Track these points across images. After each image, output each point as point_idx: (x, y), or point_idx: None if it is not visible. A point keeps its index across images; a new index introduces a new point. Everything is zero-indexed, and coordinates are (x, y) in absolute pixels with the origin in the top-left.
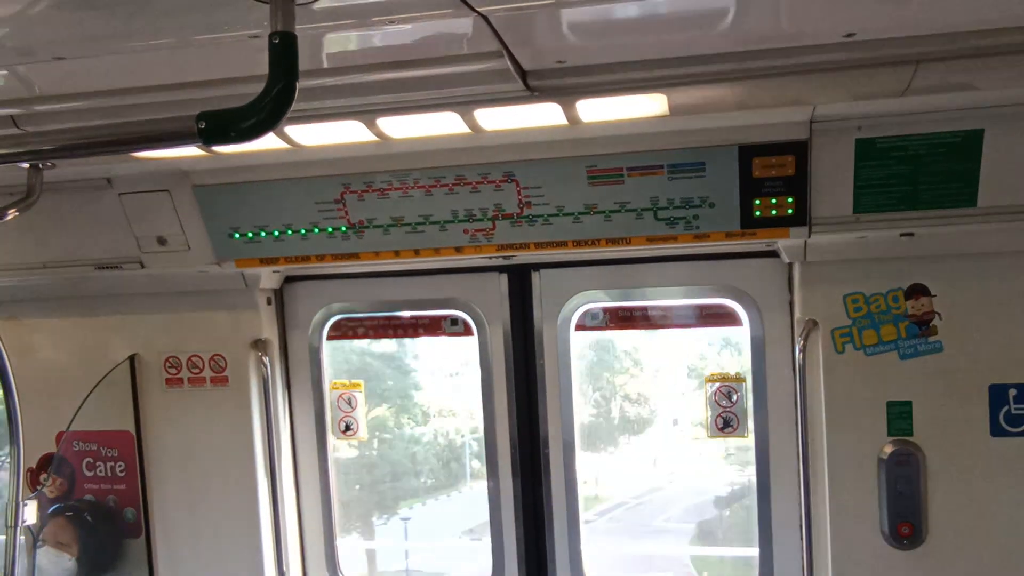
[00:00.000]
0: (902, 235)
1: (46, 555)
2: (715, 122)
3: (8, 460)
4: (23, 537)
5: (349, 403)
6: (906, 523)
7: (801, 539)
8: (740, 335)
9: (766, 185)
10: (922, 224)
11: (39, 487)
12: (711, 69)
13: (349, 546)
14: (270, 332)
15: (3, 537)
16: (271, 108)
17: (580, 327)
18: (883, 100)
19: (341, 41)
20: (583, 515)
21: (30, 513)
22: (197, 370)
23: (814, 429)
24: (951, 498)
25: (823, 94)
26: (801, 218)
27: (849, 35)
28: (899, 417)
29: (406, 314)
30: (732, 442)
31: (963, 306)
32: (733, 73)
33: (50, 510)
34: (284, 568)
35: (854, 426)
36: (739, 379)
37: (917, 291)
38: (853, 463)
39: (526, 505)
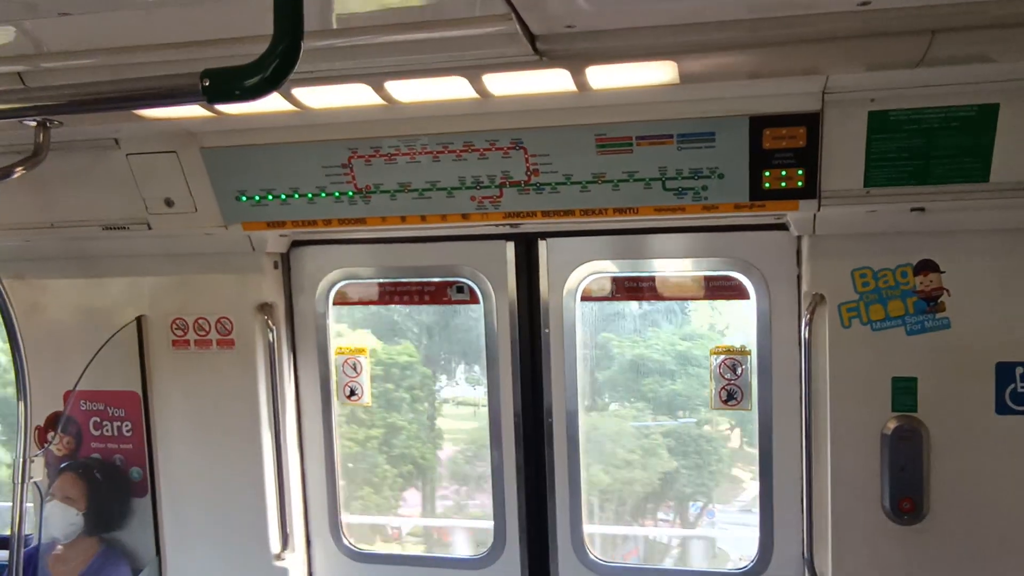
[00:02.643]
0: (912, 210)
1: (54, 508)
2: (726, 92)
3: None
4: (32, 502)
5: (354, 368)
6: (907, 499)
7: (802, 513)
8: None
9: (776, 157)
10: (933, 199)
11: (47, 445)
12: (722, 36)
13: None
14: (276, 296)
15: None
16: (276, 67)
17: (586, 297)
18: (897, 71)
19: (349, 1)
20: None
21: (37, 470)
22: (203, 332)
23: (818, 403)
24: (953, 475)
25: (836, 64)
26: (811, 191)
27: (864, 3)
28: (904, 393)
29: (412, 280)
30: None
31: (972, 283)
32: (745, 41)
33: (58, 467)
34: (288, 529)
35: (858, 401)
36: (744, 352)
37: (926, 267)
38: (856, 438)
39: (528, 475)
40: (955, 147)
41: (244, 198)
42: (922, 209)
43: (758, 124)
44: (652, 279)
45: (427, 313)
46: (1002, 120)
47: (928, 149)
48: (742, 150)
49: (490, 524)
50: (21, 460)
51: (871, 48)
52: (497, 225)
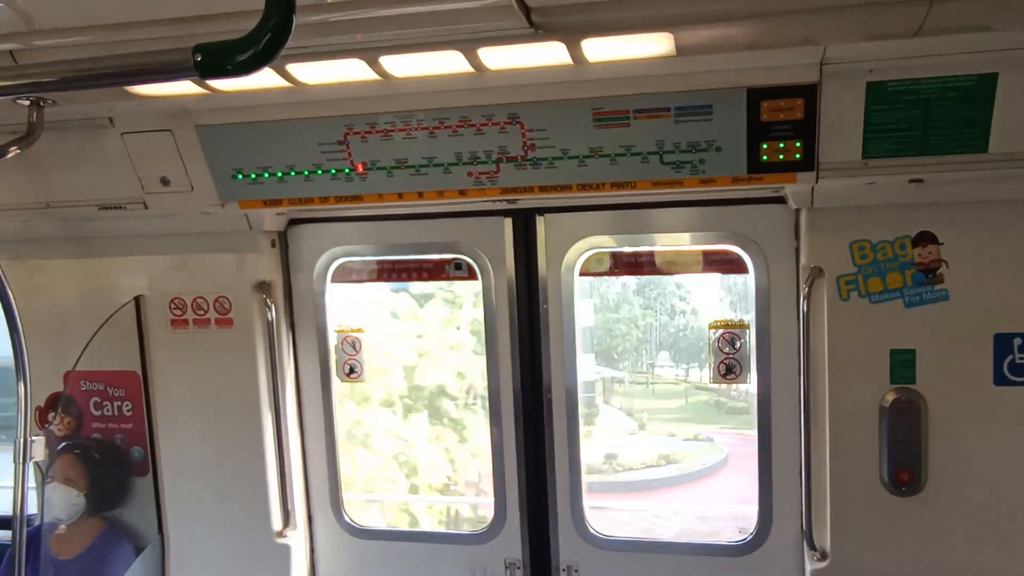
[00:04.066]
0: (911, 181)
1: (55, 490)
2: (723, 64)
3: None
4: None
5: (353, 346)
6: (905, 470)
7: (800, 485)
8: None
9: (774, 129)
10: (931, 170)
11: (47, 425)
12: (719, 7)
13: None
14: (274, 275)
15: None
16: (268, 40)
17: (584, 272)
18: (895, 41)
19: None
20: None
21: (38, 450)
22: (202, 312)
23: (817, 376)
24: (951, 446)
25: (834, 34)
26: (809, 163)
27: None
28: (902, 365)
29: (410, 257)
30: None
31: (971, 254)
32: (741, 11)
33: (59, 447)
34: (289, 506)
35: (857, 374)
36: (743, 326)
37: (924, 239)
38: (854, 410)
39: (528, 452)
40: (954, 117)
41: (240, 176)
42: (920, 180)
43: (756, 96)
44: (651, 254)
45: None
46: (1001, 90)
47: (927, 120)
48: (740, 123)
49: None
50: (22, 441)
51: (869, 18)
52: (494, 201)
